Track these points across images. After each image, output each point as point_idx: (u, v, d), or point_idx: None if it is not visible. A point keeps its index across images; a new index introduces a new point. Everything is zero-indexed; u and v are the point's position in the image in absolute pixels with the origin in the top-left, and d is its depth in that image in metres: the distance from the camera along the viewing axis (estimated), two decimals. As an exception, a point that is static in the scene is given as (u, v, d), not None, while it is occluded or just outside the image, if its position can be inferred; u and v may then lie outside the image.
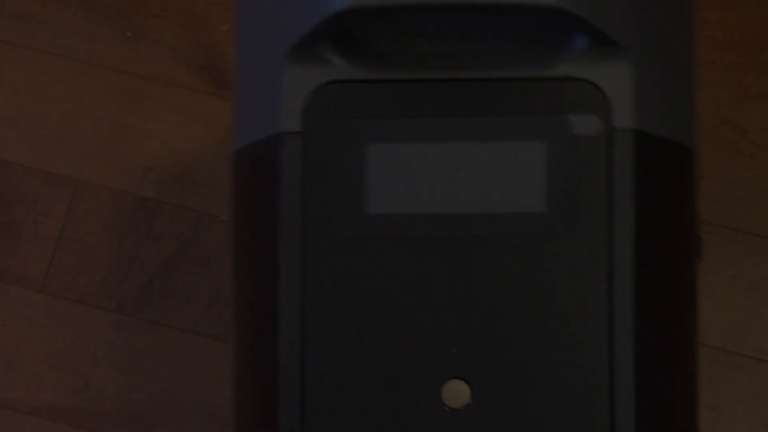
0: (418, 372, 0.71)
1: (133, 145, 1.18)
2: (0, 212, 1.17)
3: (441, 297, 0.72)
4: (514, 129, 0.72)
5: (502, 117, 0.72)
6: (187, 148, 1.17)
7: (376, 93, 0.73)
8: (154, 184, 1.17)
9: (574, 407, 0.71)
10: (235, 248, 0.76)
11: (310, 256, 0.72)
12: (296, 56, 0.73)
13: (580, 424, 0.71)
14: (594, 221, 0.71)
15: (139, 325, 1.15)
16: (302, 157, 0.72)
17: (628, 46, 0.72)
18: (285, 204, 0.72)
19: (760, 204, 1.15)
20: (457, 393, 0.71)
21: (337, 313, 0.72)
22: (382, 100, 0.73)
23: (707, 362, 1.13)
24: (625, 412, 0.71)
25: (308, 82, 0.73)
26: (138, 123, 1.18)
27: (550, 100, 0.72)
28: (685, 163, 0.75)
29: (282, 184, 0.72)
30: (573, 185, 0.72)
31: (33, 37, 1.19)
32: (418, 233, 0.72)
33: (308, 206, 0.72)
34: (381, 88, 0.73)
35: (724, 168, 1.15)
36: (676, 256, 0.74)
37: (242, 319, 0.76)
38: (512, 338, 0.71)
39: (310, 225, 0.72)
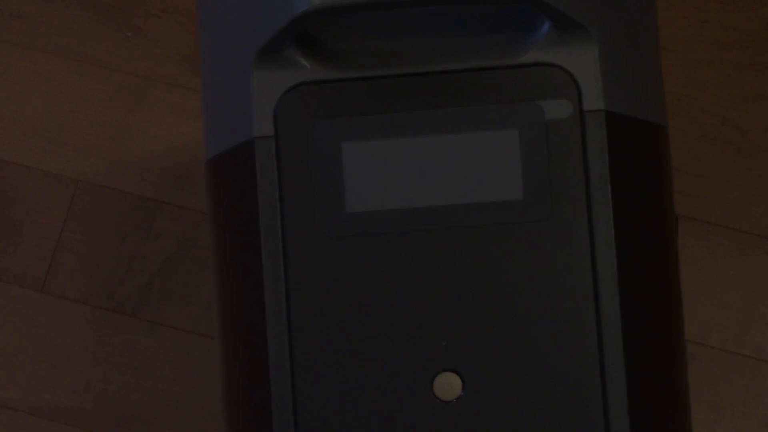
0: (408, 366, 0.72)
1: (133, 145, 1.18)
2: (0, 212, 1.17)
3: (426, 290, 0.72)
4: (486, 118, 0.72)
5: (473, 107, 0.73)
6: (187, 148, 1.17)
7: (346, 92, 0.73)
8: (154, 184, 1.17)
9: (565, 393, 0.71)
10: (216, 258, 0.76)
11: (292, 258, 0.72)
12: (263, 61, 0.73)
13: (572, 410, 0.71)
14: (573, 204, 0.72)
15: (139, 325, 1.15)
16: (277, 161, 0.73)
17: (593, 28, 0.72)
18: (263, 209, 0.72)
19: (760, 204, 1.15)
20: (448, 385, 0.72)
21: (323, 313, 0.72)
22: (353, 99, 0.73)
23: (707, 362, 1.13)
24: (616, 396, 0.71)
25: (277, 86, 0.73)
26: (138, 123, 1.18)
27: (520, 87, 0.72)
28: (658, 141, 0.76)
29: (259, 188, 0.72)
30: (549, 170, 0.72)
31: (33, 37, 1.19)
32: (398, 228, 0.72)
33: (287, 209, 0.72)
34: (351, 86, 0.73)
35: (724, 168, 1.15)
36: (656, 234, 0.75)
37: (228, 326, 0.76)
38: (501, 327, 0.72)
39: (289, 228, 0.72)
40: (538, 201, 0.72)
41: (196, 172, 1.17)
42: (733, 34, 1.17)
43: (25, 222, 1.17)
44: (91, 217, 1.17)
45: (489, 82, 0.72)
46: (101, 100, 1.18)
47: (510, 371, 0.71)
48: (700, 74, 1.17)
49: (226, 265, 0.75)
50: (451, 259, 0.72)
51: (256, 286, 0.72)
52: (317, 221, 0.72)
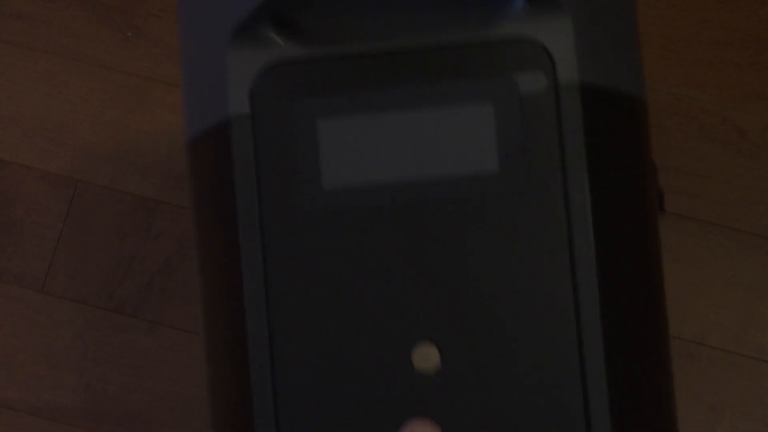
0: (387, 339, 0.72)
1: (133, 145, 1.18)
2: (0, 212, 1.17)
3: (404, 263, 0.72)
4: (460, 93, 0.73)
5: (447, 82, 0.73)
6: (187, 148, 1.18)
7: (321, 69, 0.73)
8: (154, 184, 1.17)
9: (543, 363, 0.72)
10: (196, 238, 0.77)
11: (270, 235, 0.72)
12: (239, 40, 0.73)
13: (550, 380, 0.72)
14: (549, 177, 0.72)
15: (139, 325, 1.15)
16: (254, 140, 0.73)
17: (566, 1, 0.72)
18: (241, 187, 0.73)
19: (760, 204, 1.15)
20: (427, 357, 0.72)
21: (301, 288, 0.72)
22: (329, 76, 0.73)
23: (707, 362, 1.13)
24: (594, 364, 0.71)
25: (253, 65, 0.73)
26: (138, 123, 1.18)
27: (494, 61, 0.73)
28: (636, 114, 0.76)
29: (236, 167, 0.73)
30: (525, 143, 0.72)
31: (33, 37, 1.19)
32: (375, 203, 0.72)
33: (264, 187, 0.73)
34: (326, 64, 0.73)
35: (724, 168, 1.15)
36: (634, 206, 0.75)
37: (209, 307, 0.76)
38: (478, 299, 0.72)
39: (267, 205, 0.73)
40: (514, 174, 0.72)
41: (196, 172, 1.17)
42: (733, 34, 1.17)
43: (25, 222, 1.17)
44: (91, 217, 1.17)
45: (463, 56, 0.73)
46: (101, 100, 1.18)
47: (488, 342, 0.72)
48: (700, 74, 1.17)
49: (206, 245, 0.76)
50: (428, 233, 0.72)
51: (234, 264, 0.73)
52: (295, 198, 0.72)
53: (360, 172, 0.73)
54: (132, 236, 1.16)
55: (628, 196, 0.74)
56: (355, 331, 0.72)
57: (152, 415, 1.13)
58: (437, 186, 0.72)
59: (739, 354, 1.13)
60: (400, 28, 0.74)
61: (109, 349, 1.15)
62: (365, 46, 0.73)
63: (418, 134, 0.73)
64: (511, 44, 0.73)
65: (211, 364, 0.76)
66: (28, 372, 1.15)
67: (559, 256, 0.72)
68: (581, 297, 0.72)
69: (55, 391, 1.14)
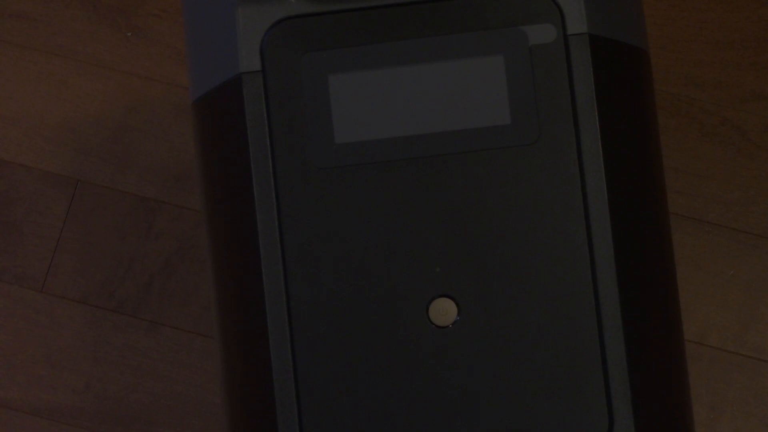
0: (403, 293, 0.72)
1: (133, 145, 1.18)
2: (0, 212, 1.17)
3: (418, 217, 0.72)
4: (471, 45, 0.73)
5: (458, 34, 0.73)
6: (187, 148, 1.17)
7: (330, 24, 0.73)
8: (154, 184, 1.17)
9: (559, 313, 0.72)
10: (205, 198, 0.77)
11: (284, 191, 0.73)
12: None
13: (566, 331, 0.72)
14: (560, 127, 0.73)
15: (139, 325, 1.15)
16: (265, 96, 0.73)
17: None
18: (253, 143, 0.73)
19: (760, 204, 1.15)
20: (444, 310, 0.72)
21: (316, 243, 0.72)
22: (338, 31, 0.73)
23: (707, 362, 1.13)
24: (611, 313, 0.72)
25: (263, 21, 0.73)
26: (138, 123, 1.18)
27: (503, 13, 0.73)
28: (641, 64, 0.76)
29: (248, 123, 0.73)
30: (535, 94, 0.72)
31: (33, 37, 1.19)
32: (388, 157, 0.73)
33: (276, 143, 0.73)
34: (335, 19, 0.73)
35: (724, 168, 1.15)
36: (643, 152, 0.75)
37: (221, 263, 0.76)
38: (493, 252, 0.72)
39: (280, 161, 0.73)
40: (525, 125, 0.72)
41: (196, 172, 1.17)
42: (733, 34, 1.17)
43: (25, 222, 1.17)
44: (91, 217, 1.17)
45: (473, 9, 0.73)
46: (101, 100, 1.18)
47: (504, 294, 0.72)
48: (700, 74, 1.17)
49: (217, 203, 0.75)
50: (441, 186, 0.72)
51: (248, 220, 0.73)
52: (307, 154, 0.72)
53: (371, 126, 0.73)
54: (132, 236, 1.16)
55: (637, 141, 0.75)
56: (370, 285, 0.72)
57: (152, 415, 1.13)
58: (449, 138, 0.73)
59: (739, 354, 1.13)
60: None
61: (109, 349, 1.15)
62: (374, 0, 0.73)
63: (429, 87, 0.73)
64: None
65: (223, 318, 0.76)
66: (28, 372, 1.15)
67: (573, 203, 0.72)
68: (596, 244, 0.72)
69: (55, 391, 1.14)
